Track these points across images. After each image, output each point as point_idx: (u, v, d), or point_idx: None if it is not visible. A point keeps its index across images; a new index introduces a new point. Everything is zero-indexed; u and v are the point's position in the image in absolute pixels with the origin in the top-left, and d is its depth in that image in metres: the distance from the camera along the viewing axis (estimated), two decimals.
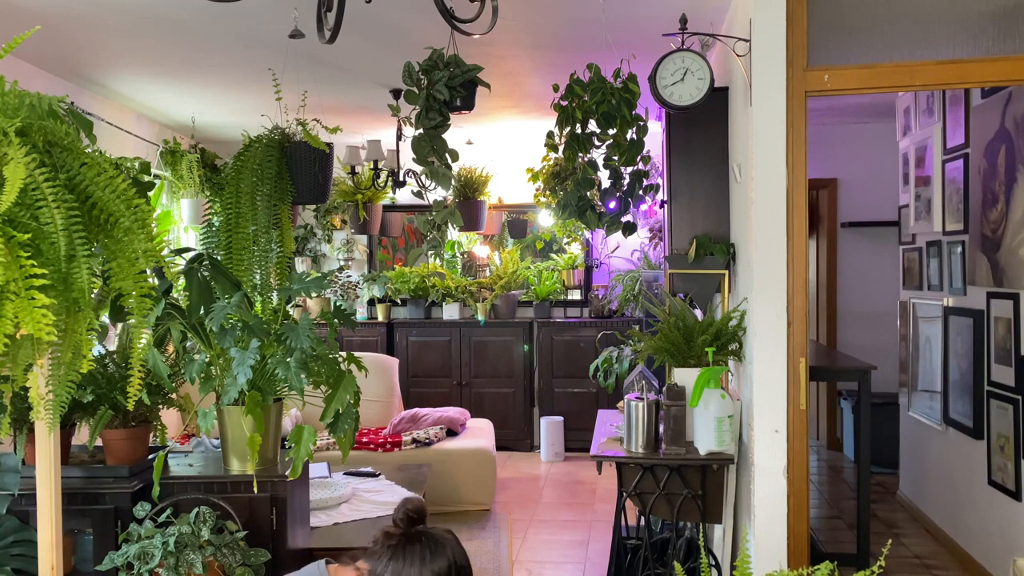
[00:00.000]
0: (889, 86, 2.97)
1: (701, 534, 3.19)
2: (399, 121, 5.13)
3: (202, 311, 2.79)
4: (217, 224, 3.41)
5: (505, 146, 6.98)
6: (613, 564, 3.66)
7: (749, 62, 3.00)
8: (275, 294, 3.26)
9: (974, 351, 4.23)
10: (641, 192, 3.57)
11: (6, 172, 1.64)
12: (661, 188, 4.44)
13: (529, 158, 6.14)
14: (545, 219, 7.23)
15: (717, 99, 3.53)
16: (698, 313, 3.84)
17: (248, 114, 5.68)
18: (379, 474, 4.62)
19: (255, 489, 2.85)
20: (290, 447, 2.77)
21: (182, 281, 2.79)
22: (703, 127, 3.76)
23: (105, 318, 2.39)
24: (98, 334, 2.09)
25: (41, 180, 1.70)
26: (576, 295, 7.37)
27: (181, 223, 5.93)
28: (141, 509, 2.79)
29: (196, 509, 2.75)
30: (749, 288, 3.14)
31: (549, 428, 6.82)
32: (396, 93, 5.03)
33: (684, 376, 3.29)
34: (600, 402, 6.81)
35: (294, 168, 3.68)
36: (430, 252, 7.12)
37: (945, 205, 4.65)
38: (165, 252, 2.22)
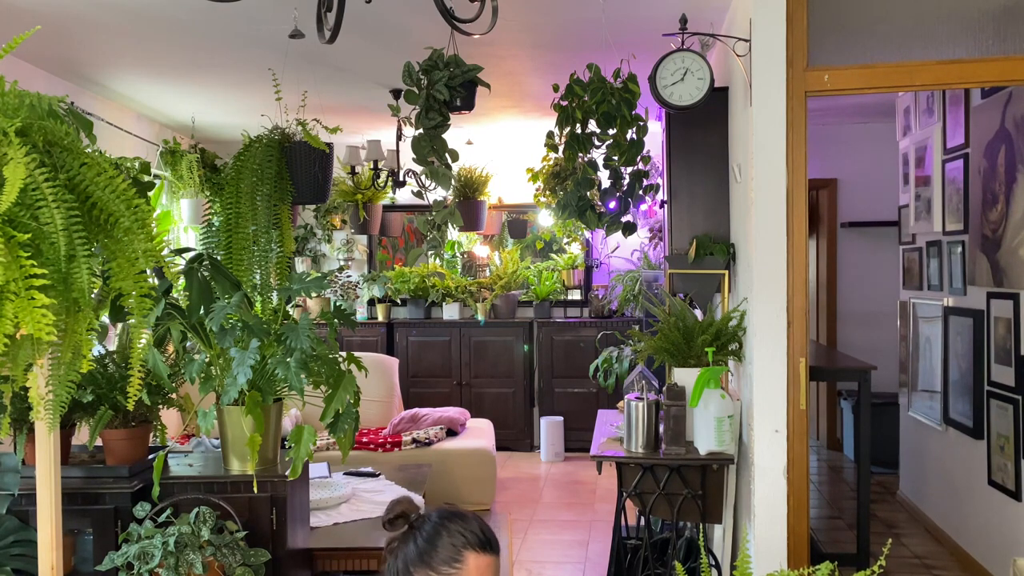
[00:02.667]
0: (889, 86, 2.97)
1: (701, 534, 3.19)
2: (399, 121, 5.13)
3: (202, 311, 2.79)
4: (217, 224, 3.41)
5: (505, 146, 6.97)
6: (613, 564, 3.66)
7: (749, 62, 3.00)
8: (275, 294, 3.26)
9: (974, 351, 4.23)
10: (641, 192, 3.57)
11: (6, 172, 1.64)
12: (661, 188, 4.44)
13: (529, 158, 6.15)
14: (545, 219, 7.23)
15: (717, 99, 3.53)
16: (698, 313, 3.84)
17: (248, 114, 5.68)
18: (379, 474, 4.62)
19: (255, 489, 2.85)
20: (290, 447, 2.77)
21: (182, 281, 2.79)
22: (703, 127, 3.76)
23: (105, 318, 2.39)
24: (98, 334, 2.09)
25: (41, 180, 1.69)
26: (576, 295, 7.37)
27: (181, 223, 5.93)
28: (141, 509, 2.79)
29: (196, 509, 2.75)
30: (749, 288, 3.14)
31: (549, 428, 6.82)
32: (396, 93, 5.03)
33: (684, 376, 3.29)
34: (600, 402, 6.81)
35: (294, 168, 3.68)
36: (430, 252, 7.12)
37: (945, 205, 4.65)
38: (165, 252, 2.21)
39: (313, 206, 7.28)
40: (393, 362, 6.20)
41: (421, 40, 3.48)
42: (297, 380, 2.68)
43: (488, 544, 1.72)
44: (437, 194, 4.34)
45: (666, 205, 3.97)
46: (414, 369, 7.22)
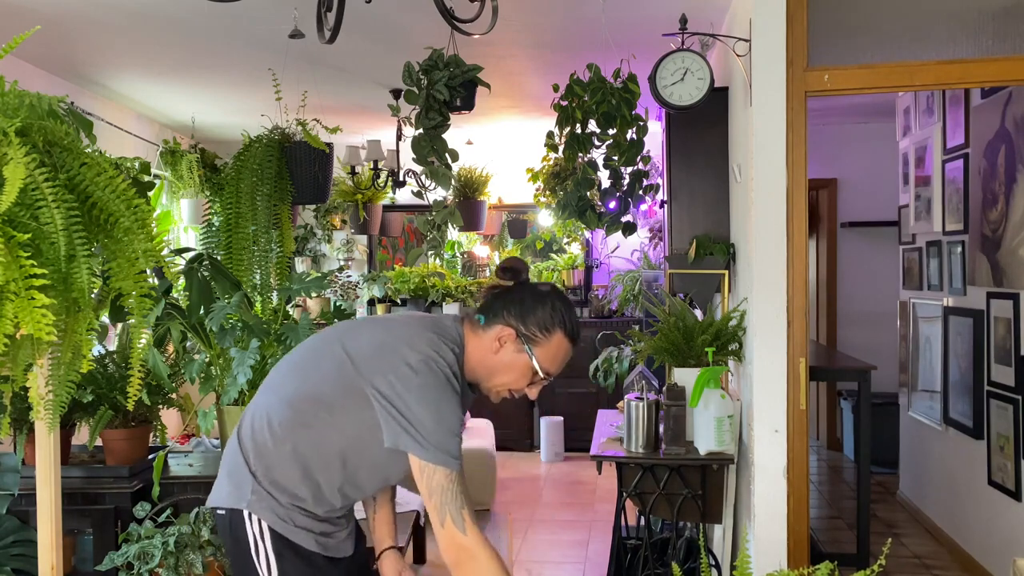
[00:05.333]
0: (889, 86, 2.97)
1: (701, 534, 3.20)
2: (399, 121, 5.13)
3: (202, 311, 2.79)
4: (217, 224, 3.42)
5: (505, 146, 6.97)
6: (613, 564, 3.66)
7: (749, 62, 3.00)
8: (275, 294, 3.26)
9: (974, 351, 4.23)
10: (641, 192, 3.57)
11: (6, 172, 1.64)
12: (661, 188, 4.44)
13: (529, 158, 6.14)
14: (545, 219, 7.23)
15: (717, 99, 3.53)
16: (698, 313, 3.84)
17: (248, 114, 5.68)
18: None
19: None
20: None
21: (182, 281, 2.79)
22: (703, 127, 3.76)
23: (105, 318, 2.39)
24: (98, 334, 2.09)
25: (41, 180, 1.69)
26: (576, 295, 7.36)
27: (181, 223, 5.93)
28: (141, 509, 2.79)
29: (196, 509, 2.75)
30: (749, 288, 3.14)
31: (549, 428, 6.81)
32: (396, 93, 5.03)
33: (684, 376, 3.29)
34: (600, 402, 6.81)
35: (294, 168, 3.68)
36: (430, 252, 7.11)
37: (945, 205, 4.65)
38: (165, 252, 2.22)
39: (313, 206, 7.28)
40: None
41: (421, 40, 3.48)
42: None
43: (575, 337, 1.96)
44: (437, 194, 4.34)
45: (666, 205, 3.97)
46: None
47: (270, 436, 1.85)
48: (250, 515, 1.84)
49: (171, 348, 3.01)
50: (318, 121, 3.82)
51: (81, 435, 3.09)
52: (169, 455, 3.13)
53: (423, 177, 3.39)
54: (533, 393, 1.98)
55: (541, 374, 1.92)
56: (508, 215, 7.49)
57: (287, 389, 1.89)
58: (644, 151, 3.41)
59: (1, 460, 2.77)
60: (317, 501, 1.86)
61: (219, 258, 3.31)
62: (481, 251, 7.61)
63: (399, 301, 7.52)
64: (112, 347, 3.23)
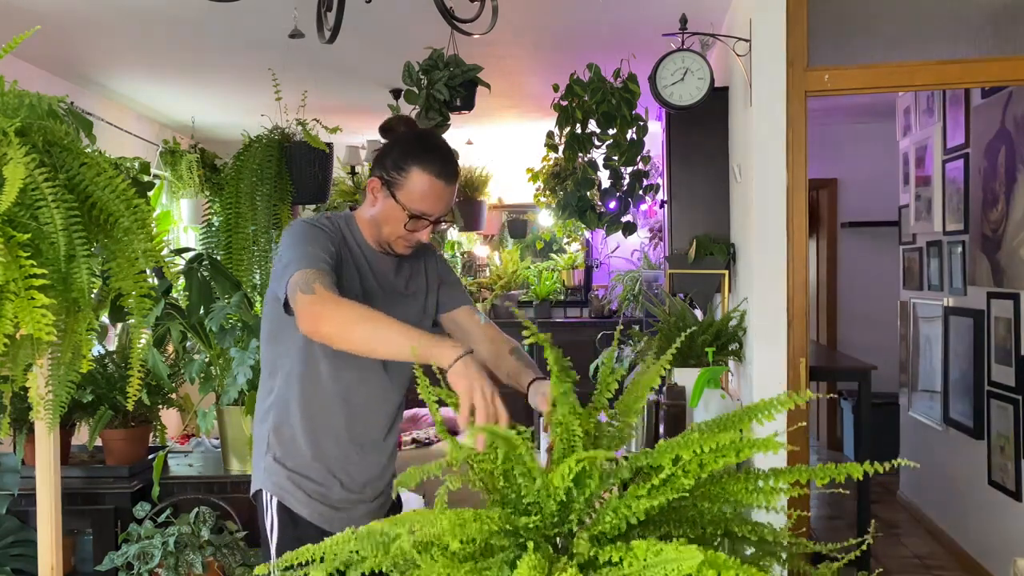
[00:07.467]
0: (889, 86, 2.97)
1: None
2: None
3: (202, 311, 2.79)
4: (217, 224, 3.42)
5: (505, 146, 6.97)
6: None
7: (749, 62, 3.00)
8: None
9: (974, 351, 4.23)
10: (641, 192, 3.57)
11: (6, 172, 1.64)
12: (661, 188, 4.44)
13: (529, 158, 6.14)
14: (545, 219, 7.22)
15: (717, 99, 3.53)
16: (698, 313, 3.84)
17: (248, 114, 5.67)
18: None
19: None
20: None
21: (182, 281, 2.79)
22: (703, 127, 3.76)
23: (105, 318, 2.39)
24: (98, 334, 2.09)
25: (41, 180, 1.69)
26: (576, 295, 7.36)
27: (181, 223, 5.93)
28: (141, 509, 2.80)
29: (196, 509, 2.75)
30: (749, 288, 3.14)
31: None
32: (396, 93, 5.03)
33: (684, 376, 3.29)
34: None
35: (294, 168, 3.69)
36: None
37: (945, 205, 4.65)
38: (165, 252, 2.21)
39: (313, 206, 7.27)
40: None
41: (421, 40, 3.47)
42: None
43: (437, 171, 1.91)
44: None
45: (666, 205, 3.97)
46: None
47: (268, 407, 1.99)
48: (264, 492, 1.97)
49: (171, 348, 3.01)
50: (318, 121, 3.82)
51: (81, 435, 3.09)
52: (169, 455, 3.13)
53: None
54: (424, 236, 1.98)
55: (408, 214, 1.92)
56: (508, 215, 7.49)
57: (263, 355, 2.05)
58: (644, 151, 3.41)
59: (1, 460, 2.78)
60: (336, 443, 1.95)
61: (219, 258, 3.31)
62: (481, 251, 7.61)
63: None
64: (112, 347, 3.23)
